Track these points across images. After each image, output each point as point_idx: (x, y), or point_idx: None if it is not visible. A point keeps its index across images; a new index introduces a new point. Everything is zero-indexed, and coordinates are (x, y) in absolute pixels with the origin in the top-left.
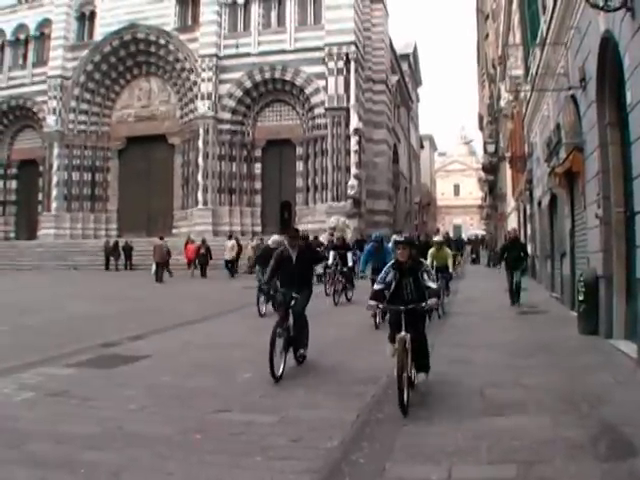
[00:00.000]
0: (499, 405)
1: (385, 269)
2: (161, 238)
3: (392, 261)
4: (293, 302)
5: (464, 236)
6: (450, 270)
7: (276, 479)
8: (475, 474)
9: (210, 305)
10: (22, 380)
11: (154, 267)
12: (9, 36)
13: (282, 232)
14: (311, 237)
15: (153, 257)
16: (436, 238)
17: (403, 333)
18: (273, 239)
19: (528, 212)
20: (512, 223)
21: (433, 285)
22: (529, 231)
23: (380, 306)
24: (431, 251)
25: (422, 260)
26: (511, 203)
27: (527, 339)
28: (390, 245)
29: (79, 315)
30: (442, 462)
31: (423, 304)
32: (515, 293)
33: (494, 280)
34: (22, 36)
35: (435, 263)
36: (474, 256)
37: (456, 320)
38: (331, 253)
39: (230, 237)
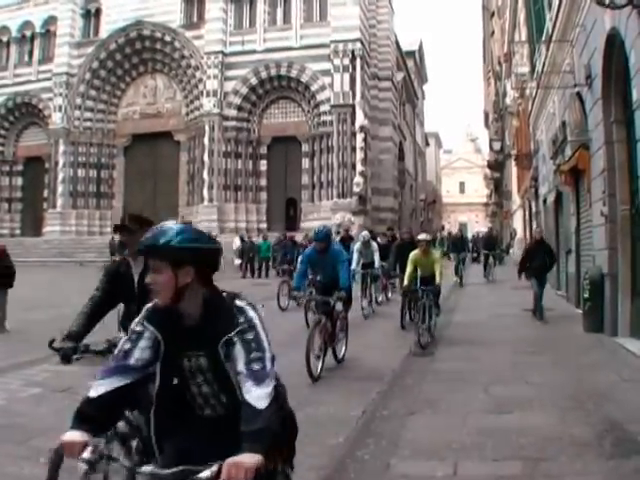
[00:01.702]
0: (504, 402)
1: (132, 327)
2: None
3: (145, 310)
4: None
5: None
6: (437, 281)
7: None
8: (480, 471)
9: None
10: (29, 376)
11: None
12: (14, 33)
13: (288, 229)
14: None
15: None
16: (421, 236)
17: None
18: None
19: (534, 210)
20: (518, 221)
21: (260, 400)
22: (535, 229)
23: (84, 456)
24: (413, 254)
25: (240, 304)
26: (517, 201)
27: (532, 337)
28: (353, 246)
29: None
30: (447, 459)
31: (205, 474)
32: (540, 305)
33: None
34: (28, 33)
35: (419, 272)
36: (475, 255)
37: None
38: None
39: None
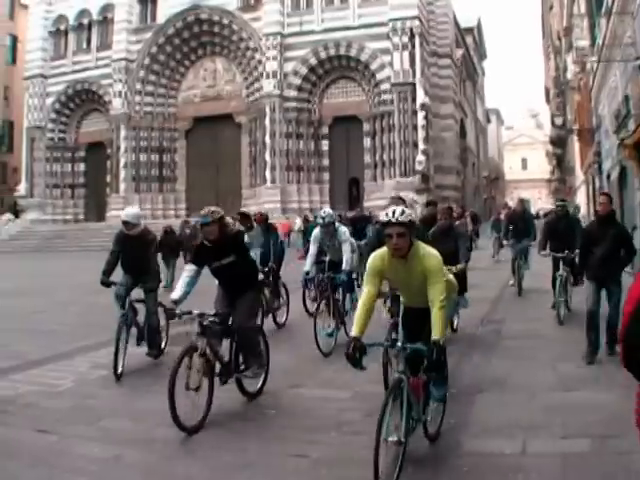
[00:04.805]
0: (572, 379)
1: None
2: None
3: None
4: None
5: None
6: (437, 335)
7: (351, 454)
8: (549, 448)
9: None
10: (96, 359)
11: None
12: (72, 21)
13: (351, 209)
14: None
15: None
16: (388, 213)
17: None
18: (127, 213)
19: (597, 185)
20: (581, 197)
21: None
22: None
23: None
24: (375, 258)
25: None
26: (580, 176)
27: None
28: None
29: None
30: (516, 436)
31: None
32: (607, 334)
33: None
34: (85, 21)
35: (402, 302)
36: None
37: None
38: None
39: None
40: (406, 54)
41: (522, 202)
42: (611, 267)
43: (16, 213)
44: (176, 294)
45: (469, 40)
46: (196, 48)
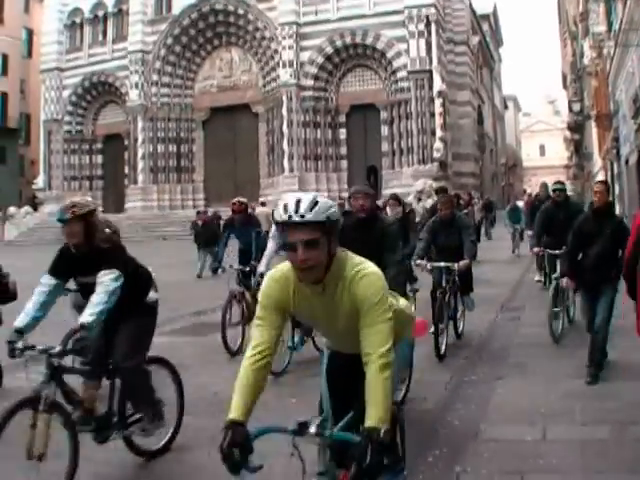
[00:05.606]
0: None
1: None
2: (263, 204)
3: None
4: None
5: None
6: (383, 412)
7: None
8: (569, 435)
9: None
10: None
11: None
12: (87, 14)
13: None
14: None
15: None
16: (287, 206)
17: None
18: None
19: (615, 171)
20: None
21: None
22: (617, 190)
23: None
24: (271, 279)
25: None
26: (598, 162)
27: (618, 302)
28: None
29: (171, 284)
30: (536, 423)
31: None
32: (597, 350)
33: None
34: (100, 13)
35: (325, 344)
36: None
37: None
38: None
39: (263, 204)
40: (422, 42)
41: (546, 187)
42: (607, 269)
43: (34, 206)
44: (21, 321)
45: (485, 27)
46: (212, 38)
